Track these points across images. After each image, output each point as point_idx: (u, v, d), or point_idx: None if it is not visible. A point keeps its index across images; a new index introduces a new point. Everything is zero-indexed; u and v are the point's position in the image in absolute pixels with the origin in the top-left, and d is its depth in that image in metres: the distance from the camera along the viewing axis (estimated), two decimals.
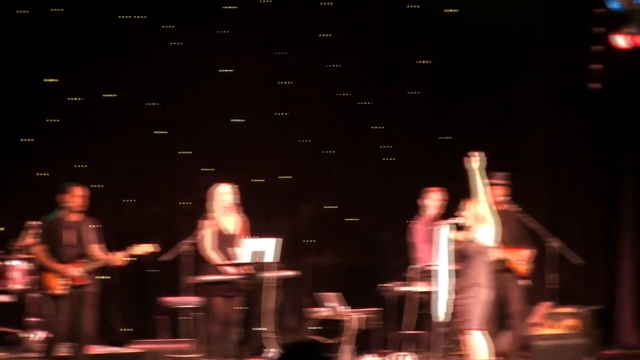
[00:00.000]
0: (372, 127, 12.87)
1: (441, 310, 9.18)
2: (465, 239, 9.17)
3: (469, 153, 9.14)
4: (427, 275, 10.40)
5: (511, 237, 10.62)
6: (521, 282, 10.75)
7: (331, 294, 11.12)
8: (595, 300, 12.36)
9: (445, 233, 9.21)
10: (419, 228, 11.18)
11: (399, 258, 11.75)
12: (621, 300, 12.93)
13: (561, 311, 11.30)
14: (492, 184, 9.78)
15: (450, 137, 12.78)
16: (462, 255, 9.13)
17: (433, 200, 11.25)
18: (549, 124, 12.96)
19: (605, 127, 12.91)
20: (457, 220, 9.15)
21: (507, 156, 12.23)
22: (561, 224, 12.43)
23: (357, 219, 12.73)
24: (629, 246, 12.89)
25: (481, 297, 9.15)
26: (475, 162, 9.13)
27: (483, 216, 9.04)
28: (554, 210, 12.73)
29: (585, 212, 12.89)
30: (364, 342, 11.14)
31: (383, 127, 12.88)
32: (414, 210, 11.38)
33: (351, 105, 12.80)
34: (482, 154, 9.14)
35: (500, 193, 10.61)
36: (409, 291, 10.74)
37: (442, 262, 9.34)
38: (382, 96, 12.71)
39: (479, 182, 9.12)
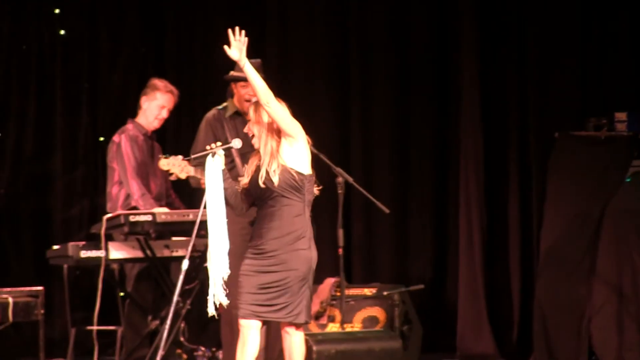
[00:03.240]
0: None
1: (217, 293, 6.09)
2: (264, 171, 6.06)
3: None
4: (137, 228, 7.38)
5: None
6: None
7: None
8: (415, 277, 8.62)
9: (215, 163, 6.13)
10: (127, 147, 7.81)
11: (84, 201, 9.13)
12: (454, 275, 8.73)
13: (355, 294, 8.10)
14: (236, 79, 6.95)
15: None
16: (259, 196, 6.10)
17: (157, 101, 7.85)
18: None
19: None
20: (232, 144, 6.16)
21: None
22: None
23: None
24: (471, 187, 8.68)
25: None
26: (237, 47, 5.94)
27: (287, 125, 6.02)
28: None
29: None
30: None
31: None
32: (123, 114, 8.13)
33: None
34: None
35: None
36: (103, 258, 7.54)
37: (213, 208, 6.14)
38: None
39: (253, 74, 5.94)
